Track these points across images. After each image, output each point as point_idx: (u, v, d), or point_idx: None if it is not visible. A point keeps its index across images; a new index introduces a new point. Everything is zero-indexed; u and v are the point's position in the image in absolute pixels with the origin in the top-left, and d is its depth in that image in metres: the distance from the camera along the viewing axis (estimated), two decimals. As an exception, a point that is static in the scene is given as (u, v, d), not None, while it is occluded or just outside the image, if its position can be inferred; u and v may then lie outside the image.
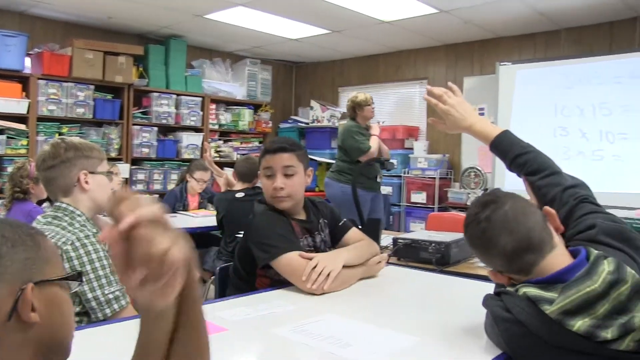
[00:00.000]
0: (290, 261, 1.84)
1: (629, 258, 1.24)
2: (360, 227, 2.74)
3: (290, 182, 1.99)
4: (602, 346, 1.10)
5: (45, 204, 3.42)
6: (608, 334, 1.08)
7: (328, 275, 1.80)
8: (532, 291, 1.19)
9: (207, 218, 4.28)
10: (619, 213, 2.60)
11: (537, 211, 1.32)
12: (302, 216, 2.10)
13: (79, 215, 1.79)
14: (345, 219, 2.25)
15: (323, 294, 1.79)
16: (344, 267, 1.88)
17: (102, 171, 1.89)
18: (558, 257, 1.26)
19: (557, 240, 1.30)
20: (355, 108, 4.73)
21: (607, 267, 1.14)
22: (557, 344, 1.14)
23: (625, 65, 4.71)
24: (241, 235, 2.93)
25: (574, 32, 5.68)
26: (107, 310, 1.66)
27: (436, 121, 1.84)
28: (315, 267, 1.80)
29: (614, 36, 5.44)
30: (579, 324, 1.10)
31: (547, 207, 1.37)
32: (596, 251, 1.21)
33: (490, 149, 1.68)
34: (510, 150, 1.61)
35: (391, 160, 4.44)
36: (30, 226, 0.87)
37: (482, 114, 6.16)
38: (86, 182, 1.82)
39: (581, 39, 5.63)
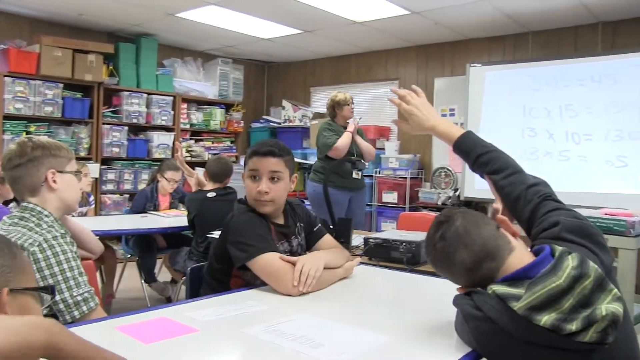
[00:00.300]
0: (270, 262, 1.82)
1: (591, 253, 1.29)
2: (331, 226, 2.76)
3: (275, 187, 1.98)
4: (567, 339, 1.13)
5: (12, 204, 3.36)
6: (573, 326, 1.12)
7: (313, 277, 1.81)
8: (501, 289, 1.22)
9: (178, 218, 4.24)
10: (584, 212, 2.66)
11: (490, 221, 1.37)
12: (281, 220, 2.10)
13: (46, 216, 1.75)
14: (320, 225, 2.26)
15: (300, 295, 1.79)
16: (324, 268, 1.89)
17: (71, 170, 1.86)
18: (519, 258, 1.30)
19: (515, 243, 1.35)
20: (335, 107, 4.73)
21: (571, 262, 1.18)
22: (526, 339, 1.17)
23: (587, 69, 4.83)
24: (213, 235, 2.92)
25: (540, 36, 5.80)
26: (76, 313, 1.64)
27: (400, 121, 1.86)
28: (301, 270, 1.80)
29: (578, 40, 5.58)
30: (545, 318, 1.13)
31: (499, 216, 1.42)
32: (560, 248, 1.25)
33: (453, 149, 1.70)
34: (472, 150, 1.64)
35: (361, 160, 4.44)
36: (6, 237, 0.87)
37: (452, 115, 6.24)
38: (54, 181, 1.78)
39: (547, 42, 5.75)
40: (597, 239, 1.34)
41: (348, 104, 4.71)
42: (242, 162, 7.19)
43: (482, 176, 1.64)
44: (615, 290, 1.17)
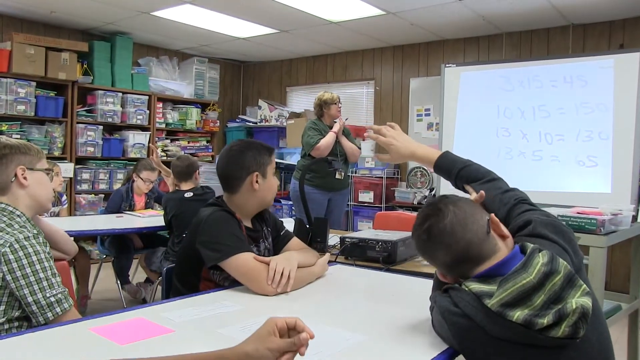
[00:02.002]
0: (245, 262, 1.82)
1: (562, 250, 1.32)
2: (307, 225, 2.76)
3: None
4: (541, 335, 1.15)
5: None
6: (544, 320, 1.14)
7: (288, 276, 1.81)
8: (476, 286, 1.24)
9: (153, 218, 4.21)
10: (557, 211, 2.70)
11: (480, 220, 1.34)
12: (249, 224, 2.10)
13: (18, 216, 1.72)
14: (286, 229, 2.28)
15: (276, 294, 1.79)
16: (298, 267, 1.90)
17: (41, 168, 1.83)
18: (497, 258, 1.30)
19: (501, 245, 1.34)
20: (322, 106, 4.73)
21: (541, 259, 1.21)
22: (500, 336, 1.19)
23: (559, 70, 4.90)
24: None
25: (514, 37, 5.88)
26: (49, 314, 1.62)
27: (381, 156, 2.01)
28: (275, 269, 1.80)
29: (550, 42, 5.67)
30: (518, 314, 1.16)
31: (492, 215, 1.39)
32: (532, 245, 1.28)
33: (434, 170, 1.79)
34: (453, 167, 1.72)
35: (338, 160, 4.45)
36: None
37: (428, 115, 6.29)
38: (24, 178, 1.75)
39: (521, 44, 5.83)
40: (569, 236, 1.38)
41: (335, 103, 4.72)
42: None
43: (463, 189, 1.70)
44: (585, 286, 1.20)
